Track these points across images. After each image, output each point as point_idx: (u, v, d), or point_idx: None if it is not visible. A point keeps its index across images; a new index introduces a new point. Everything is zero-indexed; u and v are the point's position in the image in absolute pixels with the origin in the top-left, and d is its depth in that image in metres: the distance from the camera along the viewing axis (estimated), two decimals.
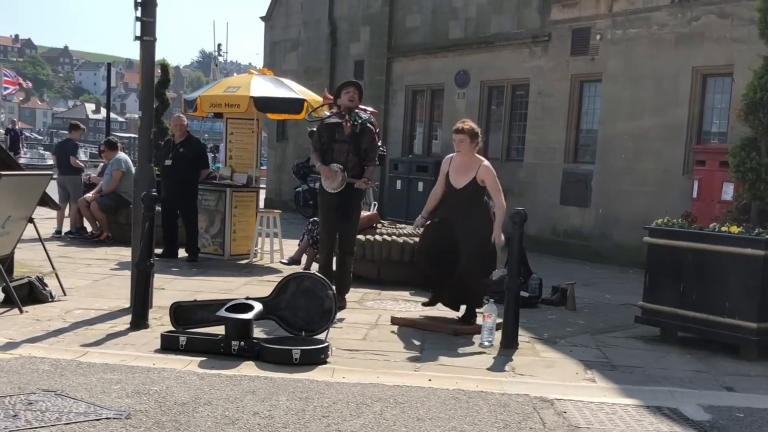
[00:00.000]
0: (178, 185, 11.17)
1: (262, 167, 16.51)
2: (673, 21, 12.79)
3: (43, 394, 4.93)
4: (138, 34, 7.54)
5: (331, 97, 8.75)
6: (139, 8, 7.50)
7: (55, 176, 14.13)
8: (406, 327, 7.51)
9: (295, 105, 11.05)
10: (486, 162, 7.60)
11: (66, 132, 19.09)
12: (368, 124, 8.27)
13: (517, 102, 16.04)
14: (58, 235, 13.10)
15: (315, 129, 8.55)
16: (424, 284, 8.13)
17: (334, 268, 8.38)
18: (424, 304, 7.88)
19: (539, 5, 15.13)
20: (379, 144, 8.72)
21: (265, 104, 11.02)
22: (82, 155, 15.13)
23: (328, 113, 8.52)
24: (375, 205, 11.15)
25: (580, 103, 14.64)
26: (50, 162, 37.58)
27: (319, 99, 10.48)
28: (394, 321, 7.69)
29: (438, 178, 7.85)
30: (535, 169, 15.06)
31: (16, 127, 33.23)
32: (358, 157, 8.19)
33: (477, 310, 7.56)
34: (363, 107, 8.41)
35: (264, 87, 11.12)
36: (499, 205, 7.45)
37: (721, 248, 6.98)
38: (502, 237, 7.35)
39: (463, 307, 7.77)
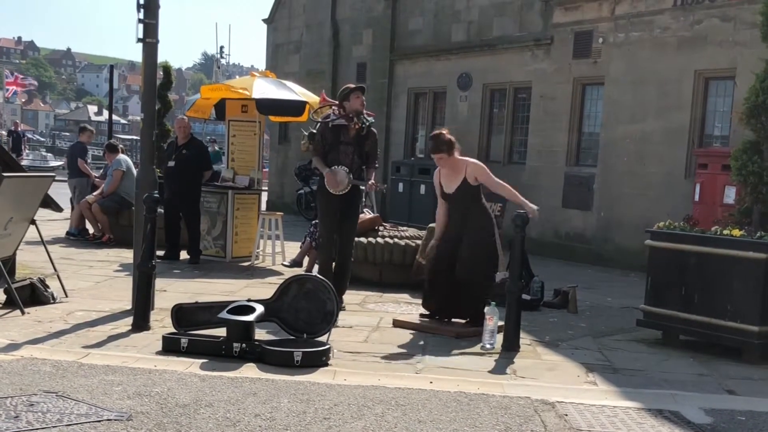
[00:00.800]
0: (180, 187, 11.19)
1: (264, 169, 16.52)
2: (676, 24, 12.79)
3: (45, 395, 4.93)
4: (140, 36, 7.55)
5: (331, 100, 8.75)
6: (142, 10, 7.50)
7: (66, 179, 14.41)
8: (408, 330, 7.51)
9: (297, 107, 11.06)
10: (472, 160, 7.66)
11: (68, 134, 19.27)
12: (372, 128, 8.30)
13: (520, 105, 16.04)
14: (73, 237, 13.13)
15: (314, 131, 8.54)
16: (428, 289, 8.00)
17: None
18: (422, 316, 7.85)
19: (541, 8, 15.14)
20: None
21: (266, 107, 11.03)
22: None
23: (333, 116, 8.50)
24: (366, 211, 11.10)
25: (582, 106, 14.64)
26: (52, 164, 37.71)
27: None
28: (396, 324, 7.69)
29: (438, 199, 7.87)
30: (537, 172, 15.06)
31: (19, 129, 33.28)
32: (361, 160, 8.21)
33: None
34: (366, 111, 8.42)
35: (266, 89, 11.13)
36: (506, 189, 7.52)
37: (723, 251, 6.98)
38: (533, 205, 7.33)
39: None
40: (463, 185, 7.50)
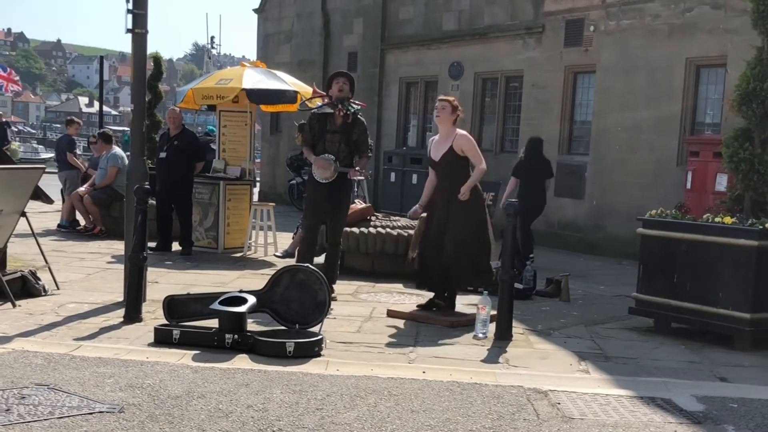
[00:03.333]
0: (172, 178, 11.14)
1: (256, 160, 16.49)
2: (667, 12, 12.78)
3: (36, 388, 4.91)
4: (129, 26, 7.50)
5: (321, 92, 8.74)
6: (131, 0, 7.46)
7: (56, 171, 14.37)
8: (401, 319, 7.50)
9: (288, 96, 11.01)
10: (462, 131, 7.62)
11: (59, 125, 19.22)
12: (359, 115, 8.28)
13: (511, 94, 16.03)
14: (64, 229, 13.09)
15: (305, 122, 8.54)
16: (420, 284, 8.00)
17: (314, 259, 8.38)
18: (420, 306, 7.83)
19: None
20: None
21: (257, 96, 10.97)
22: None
23: (320, 104, 8.51)
24: (358, 201, 11.12)
25: (574, 95, 14.64)
26: (43, 156, 37.50)
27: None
28: (390, 314, 7.68)
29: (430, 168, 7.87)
30: None
31: (3, 120, 33.01)
32: (348, 148, 8.19)
33: (472, 302, 7.60)
34: (353, 101, 8.39)
35: (256, 79, 11.09)
36: (478, 168, 7.44)
37: (714, 239, 6.99)
38: (468, 195, 7.35)
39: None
40: (449, 154, 7.44)
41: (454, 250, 7.42)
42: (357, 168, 8.14)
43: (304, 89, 11.13)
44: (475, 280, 7.74)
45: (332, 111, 8.14)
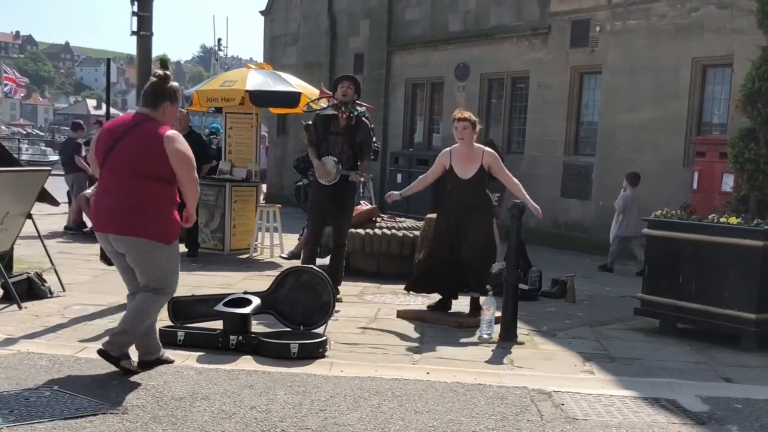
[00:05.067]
0: None
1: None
2: (673, 12, 12.76)
3: (41, 389, 4.92)
4: (134, 29, 7.55)
5: (328, 92, 8.76)
6: (136, 3, 7.50)
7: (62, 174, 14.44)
8: (408, 320, 7.50)
9: (291, 98, 11.01)
10: (488, 149, 7.71)
11: (67, 128, 19.22)
12: (363, 118, 8.27)
13: (518, 94, 16.02)
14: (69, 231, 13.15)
15: (310, 122, 8.56)
16: (421, 288, 8.04)
17: (318, 260, 8.39)
18: (430, 307, 7.86)
19: None
20: (374, 139, 8.72)
21: (260, 98, 10.96)
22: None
23: (325, 105, 8.53)
24: (363, 202, 11.12)
25: (580, 95, 14.62)
26: (52, 158, 37.60)
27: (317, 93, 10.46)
28: (400, 314, 7.68)
29: (432, 167, 7.85)
30: (536, 161, 15.04)
31: None
32: (352, 151, 8.20)
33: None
34: (359, 102, 8.40)
35: (260, 81, 11.09)
36: (513, 184, 7.55)
37: (719, 239, 6.97)
38: (539, 208, 7.42)
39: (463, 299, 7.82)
40: (480, 173, 7.51)
41: (472, 256, 7.48)
42: (359, 171, 8.15)
43: (310, 91, 11.13)
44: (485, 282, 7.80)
45: (336, 113, 8.15)
